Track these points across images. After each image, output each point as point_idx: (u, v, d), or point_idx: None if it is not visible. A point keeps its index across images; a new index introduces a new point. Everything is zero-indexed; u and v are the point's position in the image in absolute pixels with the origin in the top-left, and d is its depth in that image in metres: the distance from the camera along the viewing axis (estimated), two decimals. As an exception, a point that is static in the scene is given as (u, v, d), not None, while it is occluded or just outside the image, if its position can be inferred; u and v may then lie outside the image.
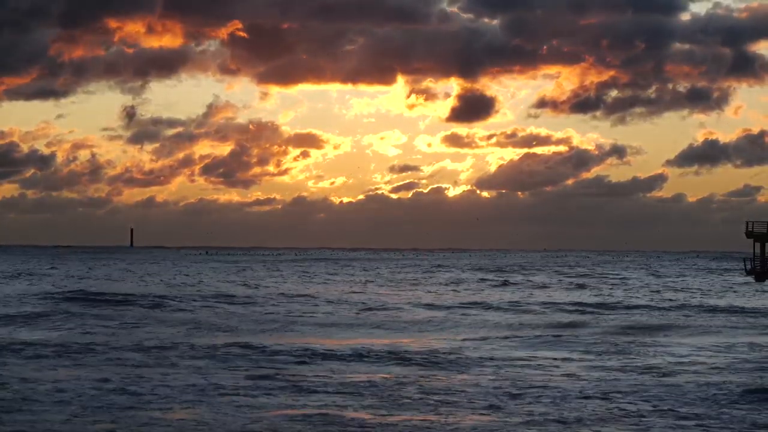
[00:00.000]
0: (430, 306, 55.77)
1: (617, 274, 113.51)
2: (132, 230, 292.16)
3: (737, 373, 27.34)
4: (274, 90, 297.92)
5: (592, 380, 25.68)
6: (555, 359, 30.61)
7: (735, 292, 74.80)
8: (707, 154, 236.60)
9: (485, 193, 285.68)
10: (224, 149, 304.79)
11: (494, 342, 35.85)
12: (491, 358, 30.58)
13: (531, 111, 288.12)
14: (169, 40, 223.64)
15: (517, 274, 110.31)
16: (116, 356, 30.11)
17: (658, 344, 35.70)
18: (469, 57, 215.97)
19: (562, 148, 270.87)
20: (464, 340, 36.74)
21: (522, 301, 60.66)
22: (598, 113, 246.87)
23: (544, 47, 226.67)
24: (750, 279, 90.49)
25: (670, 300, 63.17)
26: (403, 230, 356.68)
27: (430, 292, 72.10)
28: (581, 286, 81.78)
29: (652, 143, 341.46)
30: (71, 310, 47.39)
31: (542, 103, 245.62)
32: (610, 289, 78.68)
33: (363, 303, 57.10)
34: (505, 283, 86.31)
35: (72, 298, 55.94)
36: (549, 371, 27.57)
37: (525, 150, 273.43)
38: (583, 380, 25.64)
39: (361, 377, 25.78)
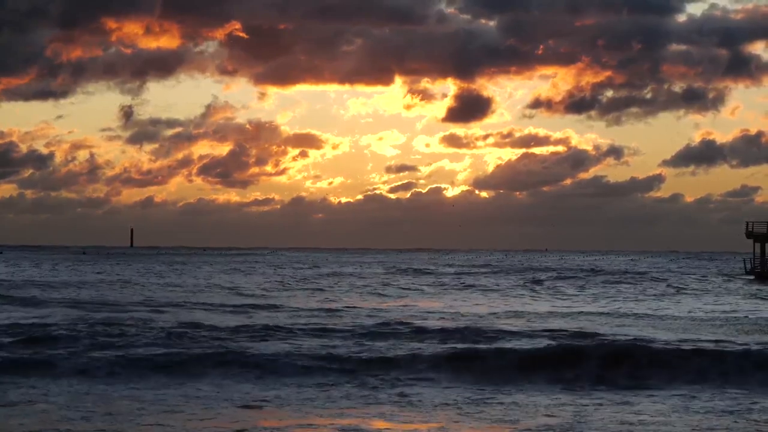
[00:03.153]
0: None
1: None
2: (132, 230, 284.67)
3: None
4: (272, 90, 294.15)
5: None
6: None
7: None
8: (704, 154, 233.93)
9: (483, 193, 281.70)
10: (223, 149, 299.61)
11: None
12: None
13: (526, 111, 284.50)
14: (166, 40, 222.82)
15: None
16: None
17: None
18: (466, 58, 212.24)
19: (560, 149, 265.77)
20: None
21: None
22: (593, 113, 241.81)
23: (541, 48, 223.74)
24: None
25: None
26: (401, 230, 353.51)
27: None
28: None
29: (648, 144, 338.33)
30: None
31: (537, 103, 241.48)
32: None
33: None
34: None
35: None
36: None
37: (522, 150, 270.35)
38: None
39: None
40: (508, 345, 28.86)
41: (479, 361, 25.92)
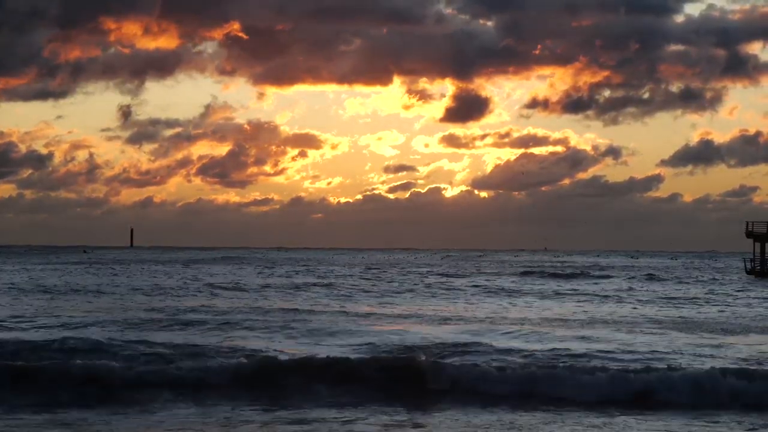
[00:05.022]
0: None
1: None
2: (132, 230, 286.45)
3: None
4: (271, 91, 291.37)
5: None
6: None
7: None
8: (702, 154, 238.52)
9: (483, 194, 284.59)
10: (222, 150, 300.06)
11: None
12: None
13: (524, 111, 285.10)
14: (165, 41, 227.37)
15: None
16: None
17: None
18: (464, 58, 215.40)
19: (558, 149, 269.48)
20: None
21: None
22: (590, 113, 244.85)
23: (538, 48, 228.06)
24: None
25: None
26: (400, 230, 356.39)
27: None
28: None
29: (646, 144, 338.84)
30: None
31: (535, 103, 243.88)
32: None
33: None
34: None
35: None
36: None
37: (521, 150, 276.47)
38: None
39: None
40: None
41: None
